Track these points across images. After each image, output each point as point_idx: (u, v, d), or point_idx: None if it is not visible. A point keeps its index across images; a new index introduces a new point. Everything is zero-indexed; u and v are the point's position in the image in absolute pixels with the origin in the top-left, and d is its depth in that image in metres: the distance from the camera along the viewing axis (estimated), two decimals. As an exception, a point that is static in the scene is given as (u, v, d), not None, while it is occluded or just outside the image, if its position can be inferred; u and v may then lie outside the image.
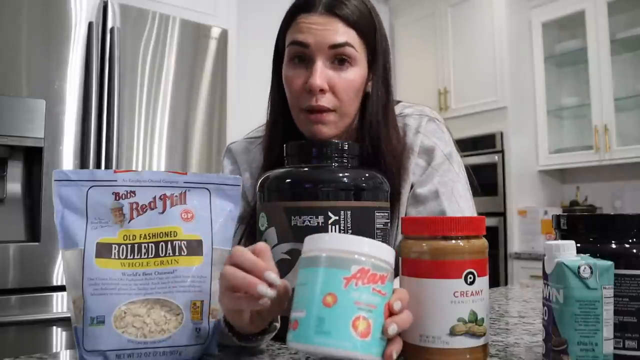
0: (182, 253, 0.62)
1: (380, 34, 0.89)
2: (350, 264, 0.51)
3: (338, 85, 0.83)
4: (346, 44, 0.83)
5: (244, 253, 0.58)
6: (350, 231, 0.68)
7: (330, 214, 0.68)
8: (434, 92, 3.74)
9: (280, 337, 0.63)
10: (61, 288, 1.76)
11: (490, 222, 3.25)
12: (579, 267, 0.53)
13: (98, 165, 1.90)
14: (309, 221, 0.68)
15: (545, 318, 0.57)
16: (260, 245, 0.60)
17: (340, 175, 0.71)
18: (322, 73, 0.82)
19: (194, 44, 2.20)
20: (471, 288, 0.57)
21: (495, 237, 3.29)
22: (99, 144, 1.91)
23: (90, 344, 0.58)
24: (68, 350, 0.73)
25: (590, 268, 0.53)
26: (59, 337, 1.75)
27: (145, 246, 0.62)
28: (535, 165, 3.47)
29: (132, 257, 0.61)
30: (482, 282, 0.58)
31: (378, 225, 0.72)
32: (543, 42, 3.42)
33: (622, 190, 3.32)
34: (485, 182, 3.34)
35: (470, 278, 0.57)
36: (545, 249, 0.57)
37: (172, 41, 2.13)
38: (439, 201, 0.88)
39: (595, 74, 3.15)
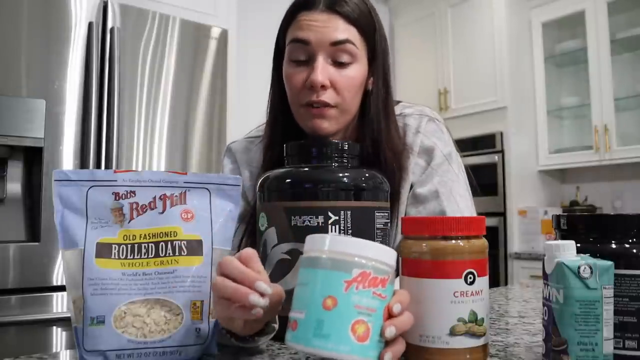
0: (182, 253, 0.62)
1: (380, 34, 0.89)
2: (352, 267, 0.51)
3: (339, 82, 0.83)
4: (347, 41, 0.83)
5: (232, 262, 0.57)
6: (350, 231, 0.68)
7: (330, 214, 0.68)
8: (434, 92, 3.74)
9: (280, 337, 0.63)
10: (61, 288, 1.76)
11: (490, 222, 3.26)
12: (579, 267, 0.53)
13: (98, 165, 1.90)
14: (309, 221, 0.68)
15: (545, 318, 0.57)
16: (246, 252, 0.59)
17: (340, 175, 0.71)
18: (323, 69, 0.82)
19: (194, 44, 2.20)
20: (471, 288, 0.57)
21: (495, 237, 3.29)
22: (99, 144, 1.91)
23: (90, 344, 0.58)
24: (68, 350, 0.73)
25: (590, 268, 0.53)
26: (59, 337, 1.75)
27: (145, 246, 0.62)
28: (535, 165, 3.47)
29: (132, 257, 0.61)
30: (482, 282, 0.58)
31: (378, 225, 0.72)
32: (543, 42, 3.42)
33: (622, 190, 3.32)
34: (485, 182, 3.34)
35: (470, 278, 0.57)
36: (545, 249, 0.57)
37: (172, 41, 2.13)
38: (439, 201, 0.88)
39: (595, 74, 3.15)
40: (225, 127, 2.28)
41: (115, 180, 0.63)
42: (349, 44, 0.83)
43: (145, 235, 0.62)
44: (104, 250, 0.61)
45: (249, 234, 0.90)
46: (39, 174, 1.82)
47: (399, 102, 0.98)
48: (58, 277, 1.78)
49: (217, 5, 2.46)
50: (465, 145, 3.40)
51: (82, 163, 1.87)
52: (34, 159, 1.86)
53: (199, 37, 2.21)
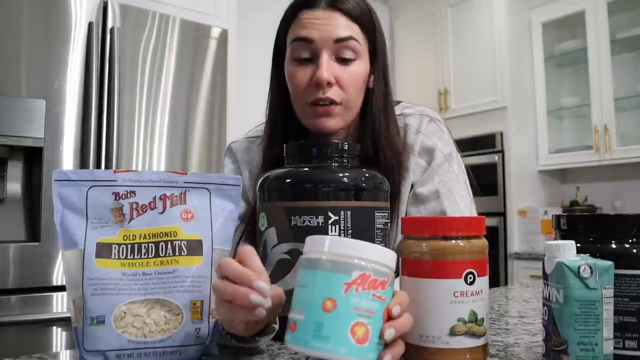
0: (182, 253, 0.62)
1: (379, 32, 0.89)
2: (352, 269, 0.51)
3: (344, 79, 0.84)
4: (350, 37, 0.83)
5: (231, 264, 0.57)
6: (350, 231, 0.68)
7: (330, 214, 0.68)
8: (434, 92, 3.74)
9: (280, 338, 0.63)
10: (61, 288, 1.76)
11: (490, 222, 3.25)
12: (579, 267, 0.53)
13: (98, 165, 1.90)
14: (309, 221, 0.68)
15: (545, 318, 0.57)
16: (244, 250, 0.59)
17: (340, 175, 0.71)
18: (328, 66, 0.82)
19: (194, 44, 2.20)
20: (471, 288, 0.57)
21: (495, 237, 3.29)
22: (99, 144, 1.91)
23: (90, 344, 0.58)
24: (68, 350, 0.73)
25: (590, 268, 0.53)
26: (59, 337, 1.75)
27: (145, 246, 0.62)
28: (535, 165, 3.47)
29: (132, 257, 0.61)
30: (482, 282, 0.58)
31: (378, 225, 0.72)
32: (543, 42, 3.42)
33: (622, 190, 3.32)
34: (485, 182, 3.34)
35: (470, 278, 0.57)
36: (545, 249, 0.57)
37: (172, 41, 2.13)
38: (440, 201, 0.88)
39: (595, 74, 3.15)
40: (225, 127, 2.28)
41: (115, 180, 0.63)
42: (352, 41, 0.84)
43: (145, 235, 0.62)
44: (104, 250, 0.61)
45: (248, 233, 0.90)
46: (39, 174, 1.82)
47: (399, 102, 0.98)
48: (58, 277, 1.78)
49: (217, 5, 2.46)
50: (465, 145, 3.40)
51: (82, 163, 1.87)
52: (34, 159, 1.86)
53: (199, 37, 2.21)
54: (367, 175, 0.73)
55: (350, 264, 0.51)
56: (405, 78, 3.93)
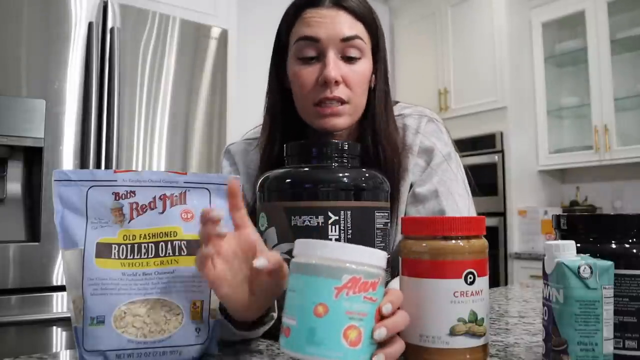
0: (182, 253, 0.62)
1: (380, 32, 0.90)
2: (342, 273, 0.50)
3: (351, 78, 0.83)
4: (356, 36, 0.83)
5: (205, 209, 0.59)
6: (350, 231, 0.68)
7: (330, 214, 0.68)
8: (434, 92, 3.74)
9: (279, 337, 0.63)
10: (61, 288, 1.76)
11: (490, 222, 3.26)
12: (579, 267, 0.53)
13: (98, 165, 1.90)
14: (309, 221, 0.68)
15: (545, 318, 0.57)
16: (232, 184, 0.62)
17: (340, 175, 0.71)
18: (335, 65, 0.82)
19: (194, 44, 2.20)
20: (471, 288, 0.57)
21: (495, 237, 3.29)
22: (99, 144, 1.91)
23: (90, 344, 0.58)
24: (68, 350, 0.73)
25: (590, 268, 0.53)
26: (59, 337, 1.75)
27: (145, 246, 0.62)
28: (535, 165, 3.47)
29: (132, 257, 0.61)
30: (482, 282, 0.58)
31: (378, 225, 0.72)
32: (543, 42, 3.42)
33: (622, 190, 3.32)
34: (485, 182, 3.34)
35: (470, 278, 0.57)
36: (545, 249, 0.57)
37: (172, 41, 2.13)
38: (438, 200, 0.89)
39: (595, 74, 3.15)
40: (225, 127, 2.28)
41: (115, 180, 0.63)
42: (358, 40, 0.84)
43: (145, 235, 0.62)
44: (104, 250, 0.61)
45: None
46: (39, 174, 1.82)
47: (396, 102, 0.98)
48: (58, 277, 1.78)
49: (217, 5, 2.46)
50: (465, 145, 3.40)
51: (82, 163, 1.87)
52: (34, 159, 1.86)
53: (199, 37, 2.21)
54: (367, 175, 0.73)
55: (340, 268, 0.51)
56: (405, 78, 3.94)
